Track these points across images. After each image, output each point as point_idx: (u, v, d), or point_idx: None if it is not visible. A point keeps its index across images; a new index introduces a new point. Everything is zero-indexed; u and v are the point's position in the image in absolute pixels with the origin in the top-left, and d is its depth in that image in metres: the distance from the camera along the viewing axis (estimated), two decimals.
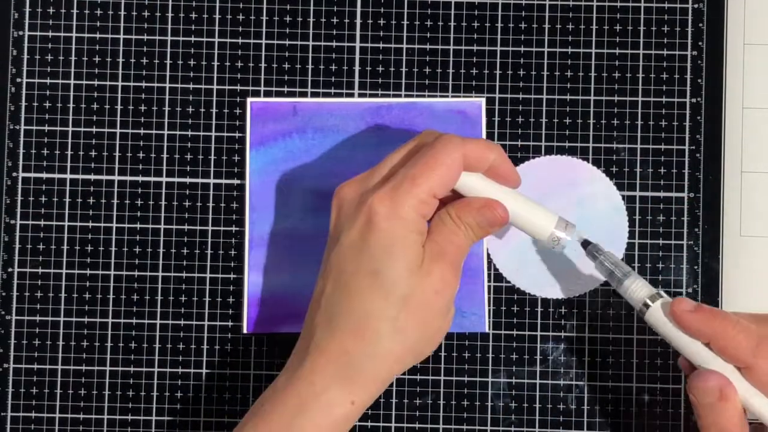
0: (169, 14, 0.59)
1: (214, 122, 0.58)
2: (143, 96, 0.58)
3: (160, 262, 0.58)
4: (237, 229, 0.58)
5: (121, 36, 0.59)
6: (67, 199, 0.58)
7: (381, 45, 0.58)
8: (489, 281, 0.57)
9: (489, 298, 0.57)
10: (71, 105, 0.58)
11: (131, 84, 0.58)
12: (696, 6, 0.58)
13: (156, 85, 0.58)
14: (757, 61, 0.58)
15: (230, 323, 0.57)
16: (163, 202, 0.58)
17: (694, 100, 0.58)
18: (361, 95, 0.58)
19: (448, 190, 0.48)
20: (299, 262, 0.57)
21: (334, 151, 0.58)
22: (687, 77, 0.58)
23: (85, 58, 0.58)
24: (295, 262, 0.57)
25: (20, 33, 0.59)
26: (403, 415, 0.57)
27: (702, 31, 0.58)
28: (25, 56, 0.58)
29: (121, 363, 0.57)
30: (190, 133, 0.58)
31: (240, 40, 0.58)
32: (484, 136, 0.58)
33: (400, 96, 0.58)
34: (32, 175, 0.58)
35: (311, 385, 0.46)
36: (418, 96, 0.58)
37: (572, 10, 0.58)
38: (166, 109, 0.58)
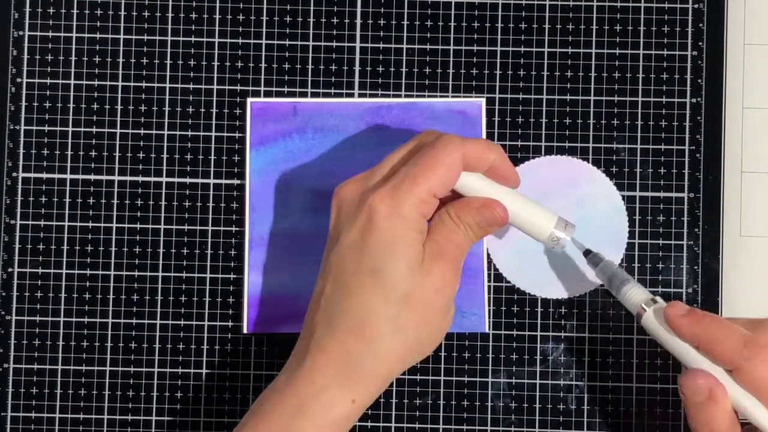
0: (169, 14, 0.59)
1: (214, 122, 0.58)
2: (143, 96, 0.58)
3: (160, 262, 0.58)
4: (237, 229, 0.58)
5: (121, 36, 0.59)
6: (67, 199, 0.58)
7: (381, 45, 0.58)
8: (489, 281, 0.57)
9: (489, 298, 0.57)
10: (71, 105, 0.58)
11: (131, 84, 0.58)
12: (696, 6, 0.58)
13: (156, 85, 0.58)
14: (757, 61, 0.58)
15: (230, 323, 0.57)
16: (163, 202, 0.58)
17: (694, 100, 0.58)
18: (361, 95, 0.58)
19: (448, 190, 0.48)
20: (299, 262, 0.57)
21: (334, 151, 0.58)
22: (687, 77, 0.58)
23: (85, 58, 0.58)
24: (295, 262, 0.57)
25: (20, 33, 0.59)
26: (403, 415, 0.57)
27: (702, 31, 0.58)
28: (25, 56, 0.58)
29: (121, 363, 0.57)
30: (190, 133, 0.58)
31: (240, 40, 0.58)
32: (484, 136, 0.58)
33: (400, 96, 0.58)
34: (32, 175, 0.58)
35: (311, 384, 0.46)
36: (418, 96, 0.58)
37: (572, 10, 0.58)
38: (166, 109, 0.58)
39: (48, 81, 0.58)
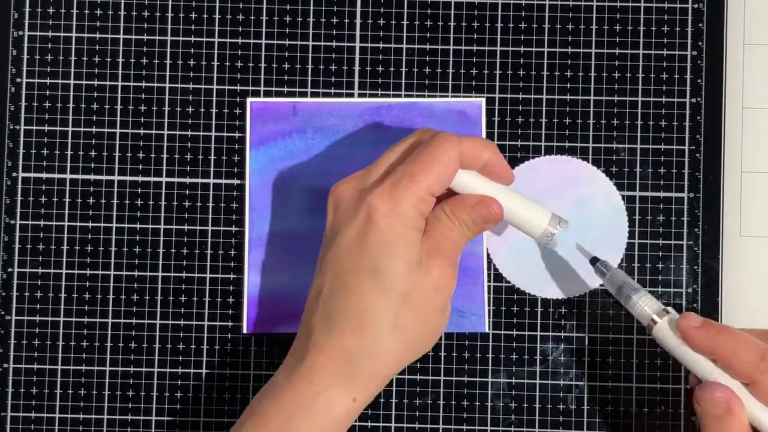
0: (169, 14, 0.59)
1: (214, 122, 0.58)
2: (143, 96, 0.58)
3: (160, 262, 0.58)
4: (237, 229, 0.58)
5: (121, 36, 0.59)
6: (67, 199, 0.58)
7: (381, 45, 0.58)
8: (489, 281, 0.57)
9: (489, 298, 0.57)
10: (71, 105, 0.58)
11: (131, 84, 0.58)
12: (696, 6, 0.58)
13: (156, 85, 0.58)
14: (757, 61, 0.58)
15: (230, 323, 0.57)
16: (163, 202, 0.58)
17: (694, 100, 0.58)
18: (361, 95, 0.58)
19: (445, 188, 0.48)
20: (299, 262, 0.57)
21: (334, 151, 0.58)
22: (687, 77, 0.58)
23: (85, 58, 0.58)
24: (295, 262, 0.57)
25: (20, 33, 0.59)
26: (403, 415, 0.57)
27: (702, 31, 0.58)
28: (25, 56, 0.58)
29: (121, 363, 0.57)
30: (190, 133, 0.58)
31: (240, 40, 0.58)
32: (483, 136, 0.58)
33: (400, 96, 0.58)
34: (32, 175, 0.58)
35: (310, 384, 0.46)
36: (418, 96, 0.58)
37: (572, 10, 0.58)
38: (166, 109, 0.58)
39: (48, 81, 0.58)
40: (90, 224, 0.58)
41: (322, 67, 0.58)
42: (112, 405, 0.57)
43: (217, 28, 0.58)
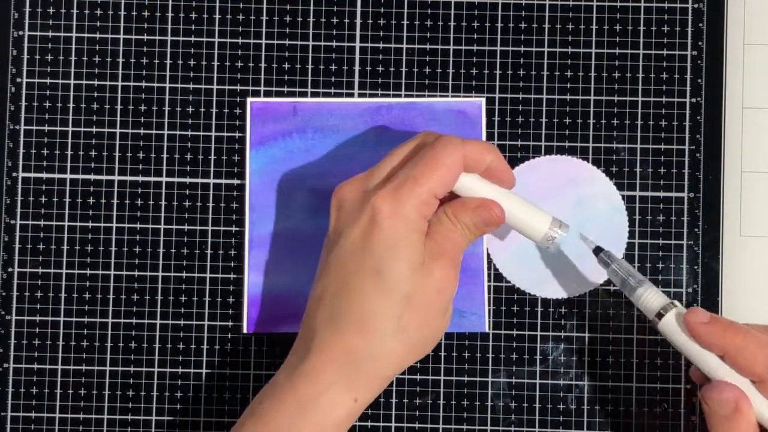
0: (169, 14, 0.59)
1: (214, 122, 0.58)
2: (143, 96, 0.58)
3: (160, 262, 0.58)
4: (237, 229, 0.58)
5: (121, 36, 0.59)
6: (67, 199, 0.58)
7: (381, 45, 0.58)
8: (489, 281, 0.57)
9: (489, 298, 0.57)
10: (71, 105, 0.58)
11: (131, 84, 0.58)
12: (696, 6, 0.58)
13: (156, 85, 0.58)
14: (757, 61, 0.58)
15: (230, 323, 0.57)
16: (163, 202, 0.58)
17: (694, 100, 0.58)
18: (361, 95, 0.58)
19: (448, 190, 0.48)
20: (299, 262, 0.57)
21: (334, 151, 0.58)
22: (687, 77, 0.58)
23: (85, 58, 0.58)
24: (295, 262, 0.57)
25: (20, 33, 0.59)
26: (403, 415, 0.57)
27: (702, 31, 0.58)
28: (25, 56, 0.58)
29: (121, 363, 0.57)
30: (190, 133, 0.58)
31: (240, 40, 0.58)
32: (484, 135, 0.58)
33: (400, 96, 0.58)
34: (32, 175, 0.58)
35: (312, 385, 0.46)
36: (418, 96, 0.58)
37: (572, 10, 0.58)
38: (166, 109, 0.58)
39: (48, 81, 0.58)
40: (90, 224, 0.58)
41: (322, 67, 0.58)
42: (112, 405, 0.57)
43: (217, 28, 0.58)
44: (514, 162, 0.58)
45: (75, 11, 0.59)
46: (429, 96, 0.58)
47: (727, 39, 0.58)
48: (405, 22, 0.58)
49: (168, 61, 0.58)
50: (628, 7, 0.58)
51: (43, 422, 0.57)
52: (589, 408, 0.57)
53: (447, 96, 0.58)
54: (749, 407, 0.47)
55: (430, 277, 0.47)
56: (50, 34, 0.59)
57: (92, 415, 0.57)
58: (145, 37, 0.58)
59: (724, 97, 0.58)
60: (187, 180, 0.58)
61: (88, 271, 0.58)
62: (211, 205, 0.58)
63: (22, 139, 0.58)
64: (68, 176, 0.58)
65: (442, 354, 0.57)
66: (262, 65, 0.58)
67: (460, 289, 0.56)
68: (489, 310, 0.57)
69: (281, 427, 0.46)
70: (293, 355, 0.49)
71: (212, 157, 0.58)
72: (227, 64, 0.58)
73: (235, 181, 0.58)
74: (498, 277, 0.57)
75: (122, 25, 0.59)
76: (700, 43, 0.58)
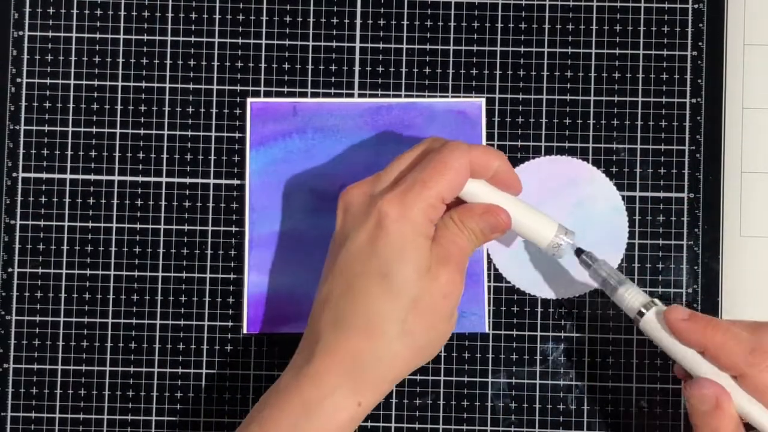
0: (169, 14, 0.59)
1: (214, 122, 0.58)
2: (143, 96, 0.58)
3: (160, 262, 0.58)
4: (237, 229, 0.58)
5: (121, 36, 0.59)
6: (67, 199, 0.58)
7: (381, 45, 0.58)
8: (489, 281, 0.57)
9: (489, 298, 0.57)
10: (71, 105, 0.58)
11: (131, 84, 0.58)
12: (696, 6, 0.58)
13: (156, 85, 0.58)
14: (757, 61, 0.58)
15: (230, 323, 0.57)
16: (163, 202, 0.58)
17: (694, 101, 0.58)
18: (361, 95, 0.58)
19: (455, 195, 0.48)
20: (299, 262, 0.57)
21: (334, 151, 0.58)
22: (687, 77, 0.58)
23: (85, 58, 0.58)
24: (295, 262, 0.57)
25: (20, 33, 0.59)
26: (403, 415, 0.57)
27: (702, 32, 0.58)
28: (25, 56, 0.58)
29: (121, 363, 0.57)
30: (190, 133, 0.58)
31: (240, 40, 0.58)
32: (484, 136, 0.58)
33: (400, 96, 0.58)
34: (32, 175, 0.58)
35: (317, 388, 0.46)
36: (418, 96, 0.58)
37: (572, 10, 0.58)
38: (166, 109, 0.58)
39: (48, 81, 0.58)
40: (90, 224, 0.58)
41: (322, 67, 0.58)
42: (112, 405, 0.57)
43: (217, 28, 0.58)
44: (514, 162, 0.58)
45: (75, 11, 0.59)
46: (429, 96, 0.58)
47: (727, 39, 0.58)
48: (405, 22, 0.58)
49: (168, 61, 0.58)
50: (628, 8, 0.58)
51: (43, 422, 0.57)
52: (589, 408, 0.57)
53: (447, 96, 0.58)
54: (730, 403, 0.47)
55: (436, 282, 0.47)
56: (50, 34, 0.58)
57: (92, 416, 0.57)
58: (145, 37, 0.58)
59: (724, 97, 0.58)
60: (187, 180, 0.58)
61: (88, 271, 0.58)
62: (211, 205, 0.58)
63: (22, 139, 0.58)
64: (68, 176, 0.58)
65: (442, 354, 0.57)
66: (262, 65, 0.58)
67: None
68: (489, 311, 0.57)
69: (285, 429, 0.46)
70: (298, 355, 0.49)
71: (212, 157, 0.58)
72: (227, 64, 0.58)
73: (235, 182, 0.58)
74: (498, 277, 0.57)
75: (122, 25, 0.59)
76: (700, 44, 0.58)
